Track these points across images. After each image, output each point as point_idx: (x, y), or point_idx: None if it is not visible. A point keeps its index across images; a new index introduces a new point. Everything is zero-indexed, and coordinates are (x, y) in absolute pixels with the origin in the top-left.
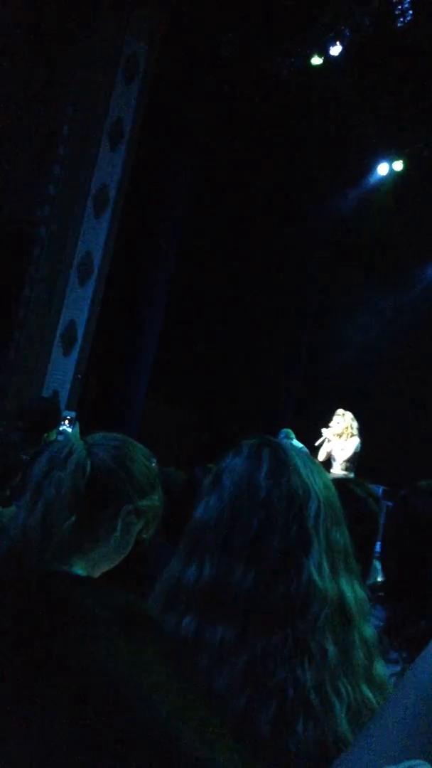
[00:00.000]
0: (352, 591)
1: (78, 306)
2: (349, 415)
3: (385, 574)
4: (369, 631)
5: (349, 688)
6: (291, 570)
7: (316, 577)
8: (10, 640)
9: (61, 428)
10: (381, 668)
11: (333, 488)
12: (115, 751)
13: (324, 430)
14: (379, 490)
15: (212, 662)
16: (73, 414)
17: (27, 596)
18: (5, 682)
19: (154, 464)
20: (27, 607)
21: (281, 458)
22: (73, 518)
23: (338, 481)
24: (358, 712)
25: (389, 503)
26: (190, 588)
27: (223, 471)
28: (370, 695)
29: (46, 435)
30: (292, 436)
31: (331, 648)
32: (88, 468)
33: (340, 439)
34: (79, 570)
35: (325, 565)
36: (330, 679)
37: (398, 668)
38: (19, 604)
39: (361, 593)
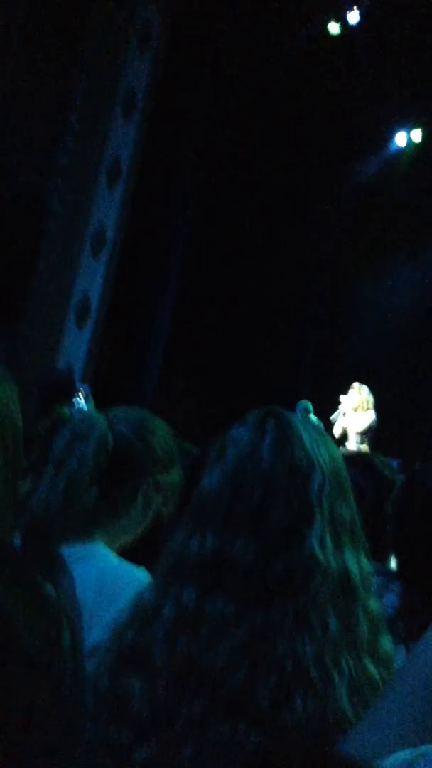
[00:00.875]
0: (357, 565)
1: (91, 279)
2: (365, 388)
3: (396, 554)
4: (374, 605)
5: (351, 663)
6: (292, 543)
7: (317, 550)
8: None
9: (75, 402)
10: (387, 643)
11: (340, 460)
12: None
13: (341, 404)
14: (395, 463)
15: (211, 635)
16: (88, 388)
17: None
18: None
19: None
20: None
21: (285, 429)
22: (95, 491)
23: (360, 456)
24: (360, 688)
25: (404, 476)
26: (191, 560)
27: (228, 442)
28: (374, 671)
29: (58, 407)
30: (311, 408)
31: (332, 622)
32: (110, 441)
33: (356, 412)
34: (100, 542)
35: (328, 538)
36: (331, 653)
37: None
38: None
39: (367, 567)
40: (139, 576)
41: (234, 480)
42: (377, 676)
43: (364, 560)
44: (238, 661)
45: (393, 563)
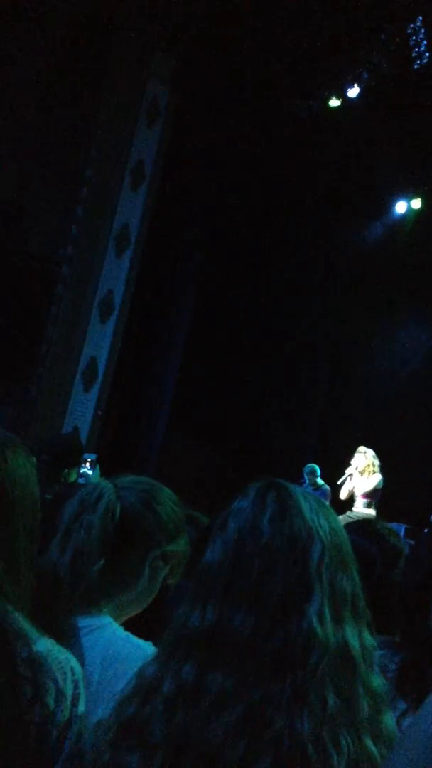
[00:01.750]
0: (358, 639)
1: (99, 343)
2: (370, 452)
3: (403, 618)
4: (377, 681)
5: (350, 740)
6: (291, 616)
7: (316, 624)
8: None
9: (81, 470)
10: (389, 721)
11: (342, 533)
12: None
13: (347, 469)
14: (401, 528)
15: (210, 710)
16: (94, 456)
17: None
18: None
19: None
20: None
21: (285, 501)
22: (102, 561)
23: (367, 524)
24: (359, 767)
25: (411, 542)
26: (192, 633)
27: (229, 514)
28: (374, 749)
29: (66, 471)
30: (318, 471)
31: (331, 698)
32: (118, 511)
33: (362, 476)
34: (107, 614)
35: (327, 612)
36: (329, 730)
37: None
38: None
39: (369, 641)
40: (147, 650)
41: (235, 553)
42: (377, 755)
43: (367, 635)
44: (236, 737)
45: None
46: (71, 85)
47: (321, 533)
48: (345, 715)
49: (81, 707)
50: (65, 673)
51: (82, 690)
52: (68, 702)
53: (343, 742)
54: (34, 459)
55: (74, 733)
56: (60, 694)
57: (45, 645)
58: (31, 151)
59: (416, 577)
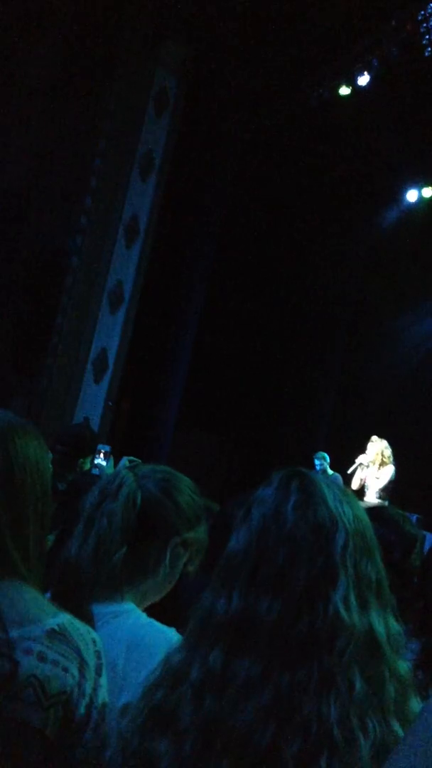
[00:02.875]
0: (384, 625)
1: (109, 334)
2: (383, 442)
3: (423, 603)
4: (403, 666)
5: (377, 724)
6: (316, 603)
7: (342, 610)
8: None
9: (96, 461)
10: (416, 705)
11: (365, 519)
12: None
13: (358, 458)
14: (413, 518)
15: (238, 696)
16: (108, 448)
17: None
18: None
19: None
20: None
21: (309, 489)
22: (124, 549)
23: (373, 509)
24: (386, 749)
25: (424, 532)
26: (218, 620)
27: (253, 503)
28: (401, 733)
29: (81, 461)
30: (327, 459)
31: (358, 683)
32: (139, 500)
33: (374, 466)
34: (130, 601)
35: (353, 598)
36: (356, 714)
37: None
38: None
39: (395, 627)
40: (170, 636)
41: (259, 540)
42: None
43: (392, 621)
44: (264, 722)
45: None
46: (79, 76)
47: (345, 520)
48: (372, 699)
49: (104, 678)
50: (87, 643)
51: (104, 661)
52: (92, 671)
53: (370, 725)
54: (45, 445)
55: (98, 704)
56: (83, 662)
57: (65, 617)
58: (39, 142)
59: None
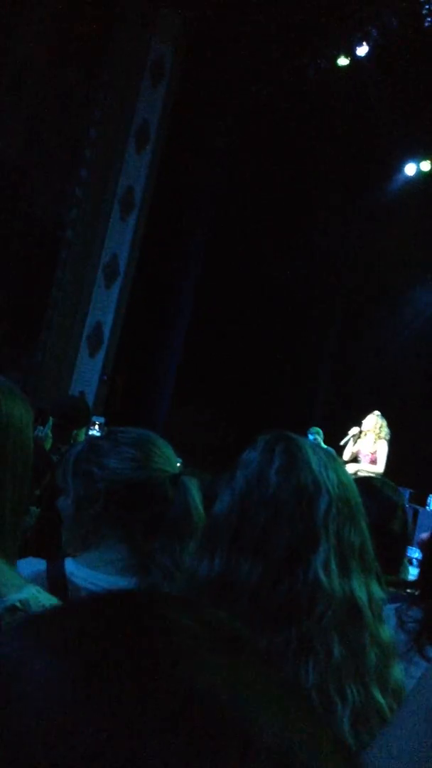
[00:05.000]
0: (366, 591)
1: (104, 308)
2: (383, 420)
3: (427, 568)
4: (385, 633)
5: (355, 690)
6: (297, 567)
7: (322, 575)
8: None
9: (90, 433)
10: (398, 673)
11: (351, 485)
12: None
13: (351, 429)
14: (406, 493)
15: None
16: (103, 420)
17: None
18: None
19: (178, 465)
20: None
21: (293, 452)
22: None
23: (360, 479)
24: (365, 716)
25: (417, 507)
26: (200, 581)
27: (238, 466)
28: (382, 700)
29: (75, 432)
30: (321, 434)
31: (337, 648)
32: None
33: (370, 435)
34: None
35: (334, 563)
36: (334, 680)
37: None
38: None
39: (378, 593)
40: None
41: (242, 503)
42: (385, 706)
43: (375, 587)
44: None
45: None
46: (74, 45)
47: (329, 485)
48: (351, 665)
49: None
50: None
51: None
52: None
53: (348, 692)
54: (31, 413)
55: None
56: None
57: (29, 592)
58: (33, 113)
59: None
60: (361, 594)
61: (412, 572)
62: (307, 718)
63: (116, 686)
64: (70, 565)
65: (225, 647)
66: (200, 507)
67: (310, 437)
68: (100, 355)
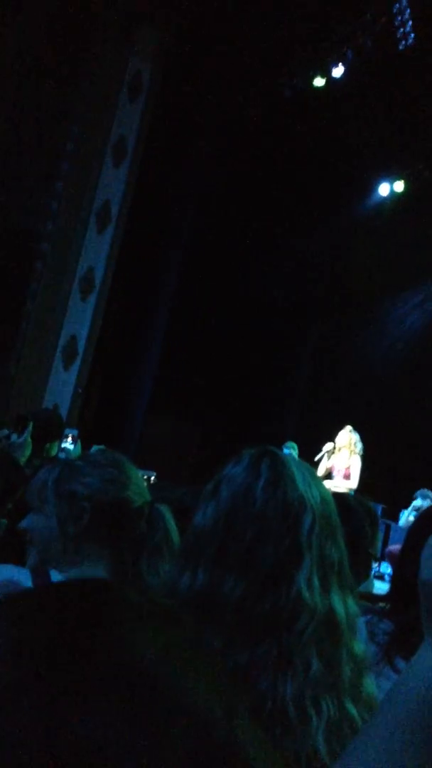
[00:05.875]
0: (344, 606)
1: (79, 321)
2: (356, 435)
3: (398, 581)
4: (359, 647)
5: (331, 704)
6: (281, 583)
7: (305, 591)
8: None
9: (63, 445)
10: (370, 686)
11: (331, 502)
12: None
13: (325, 446)
14: (379, 508)
15: None
16: (76, 432)
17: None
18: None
19: (153, 478)
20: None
21: (279, 470)
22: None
23: (334, 495)
24: (339, 729)
25: (389, 522)
26: (182, 595)
27: (222, 480)
28: (355, 713)
29: (48, 446)
30: (296, 449)
31: (315, 662)
32: None
33: (344, 451)
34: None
35: (316, 579)
36: (311, 693)
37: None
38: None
39: (354, 609)
40: None
41: (227, 518)
42: (358, 718)
43: (351, 602)
44: None
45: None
46: (53, 58)
47: (312, 502)
48: (327, 679)
49: None
50: None
51: None
52: None
53: (324, 705)
54: None
55: None
56: None
57: None
58: (10, 125)
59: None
60: (339, 609)
61: (377, 586)
62: (228, 689)
63: (60, 660)
64: (55, 579)
65: (158, 620)
66: (177, 534)
67: (285, 451)
68: (75, 367)
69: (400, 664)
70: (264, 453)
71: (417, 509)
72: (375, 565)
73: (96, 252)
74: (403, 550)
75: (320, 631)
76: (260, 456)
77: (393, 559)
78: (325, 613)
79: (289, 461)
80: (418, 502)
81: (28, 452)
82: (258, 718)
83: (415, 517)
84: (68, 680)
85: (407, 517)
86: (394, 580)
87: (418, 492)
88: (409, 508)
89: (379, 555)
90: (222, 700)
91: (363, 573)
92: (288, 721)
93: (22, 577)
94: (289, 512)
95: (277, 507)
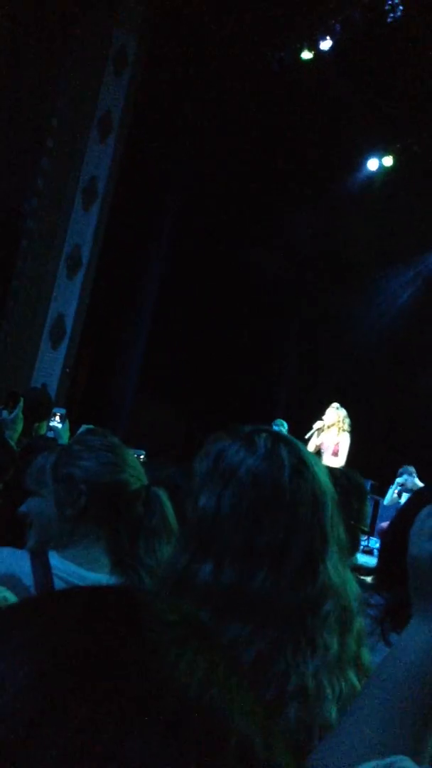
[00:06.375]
0: (353, 583)
1: (66, 299)
2: (343, 411)
3: (387, 557)
4: (360, 622)
5: (343, 678)
6: (311, 572)
7: (333, 576)
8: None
9: (51, 424)
10: (367, 655)
11: (329, 483)
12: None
13: (315, 424)
14: (368, 484)
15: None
16: (64, 411)
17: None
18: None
19: (142, 457)
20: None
21: (300, 457)
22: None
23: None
24: (348, 701)
25: (378, 497)
26: (204, 586)
27: (235, 465)
28: (356, 682)
29: (36, 425)
30: (285, 426)
31: (335, 642)
32: None
33: (330, 431)
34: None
35: (338, 563)
36: (327, 670)
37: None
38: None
39: (355, 585)
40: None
41: (254, 510)
42: (359, 687)
43: (351, 578)
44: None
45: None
46: (36, 34)
47: (329, 489)
48: (343, 656)
49: None
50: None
51: None
52: None
53: (336, 680)
54: None
55: None
56: None
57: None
58: None
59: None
60: (352, 587)
61: (367, 560)
62: (264, 713)
63: (95, 689)
64: (54, 560)
65: (196, 641)
66: (174, 516)
67: (275, 428)
68: (63, 346)
69: (394, 638)
70: (277, 438)
71: (401, 485)
72: (364, 539)
73: (83, 229)
74: (392, 525)
75: (339, 611)
76: (274, 441)
77: (382, 535)
78: (344, 594)
79: (302, 446)
80: (401, 479)
81: (19, 428)
82: (289, 741)
83: (407, 495)
84: (108, 709)
85: (392, 494)
86: (382, 554)
87: (402, 469)
88: (394, 485)
89: (368, 530)
90: (260, 726)
91: (353, 546)
92: (306, 696)
93: (21, 562)
94: (317, 501)
95: (306, 497)
